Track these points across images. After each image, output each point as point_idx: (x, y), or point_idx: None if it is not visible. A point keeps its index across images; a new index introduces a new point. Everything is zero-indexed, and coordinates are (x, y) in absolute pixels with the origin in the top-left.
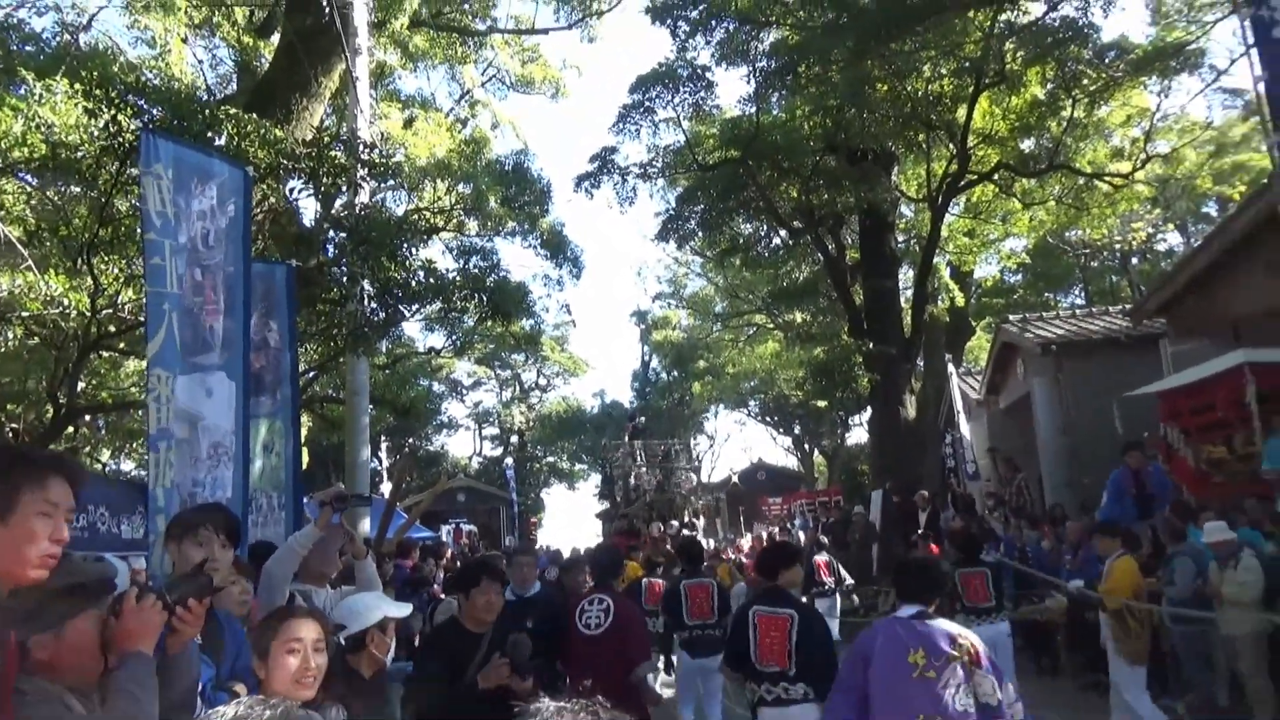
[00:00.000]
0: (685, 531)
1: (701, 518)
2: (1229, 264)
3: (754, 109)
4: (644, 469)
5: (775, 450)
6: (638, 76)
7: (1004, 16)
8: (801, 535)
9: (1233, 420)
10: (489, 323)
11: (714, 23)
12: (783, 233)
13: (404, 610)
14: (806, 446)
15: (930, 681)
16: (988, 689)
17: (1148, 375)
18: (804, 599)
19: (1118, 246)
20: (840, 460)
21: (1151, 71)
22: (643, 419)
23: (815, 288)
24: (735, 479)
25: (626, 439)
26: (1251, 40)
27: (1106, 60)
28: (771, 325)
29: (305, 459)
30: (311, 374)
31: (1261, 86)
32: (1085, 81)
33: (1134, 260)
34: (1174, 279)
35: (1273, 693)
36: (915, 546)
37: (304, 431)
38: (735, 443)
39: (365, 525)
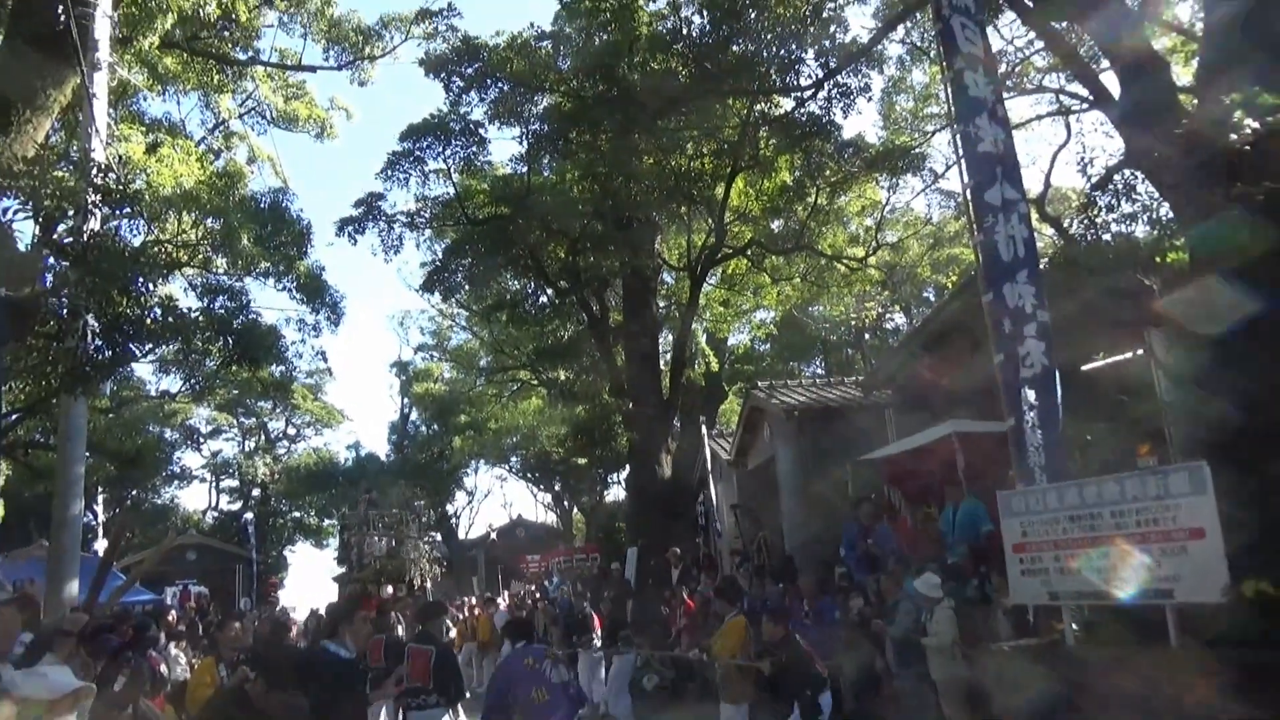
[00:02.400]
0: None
1: (429, 582)
2: (941, 345)
3: (525, 169)
4: (377, 536)
5: (535, 507)
6: (409, 125)
7: (759, 107)
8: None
9: (942, 484)
10: (234, 367)
11: (488, 81)
12: (549, 291)
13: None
14: (566, 503)
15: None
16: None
17: (878, 440)
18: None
19: (853, 322)
20: (599, 517)
21: (882, 169)
22: (374, 492)
23: (579, 347)
24: (494, 535)
25: (361, 509)
26: (961, 151)
27: (845, 155)
28: (535, 382)
29: (0, 511)
30: (16, 416)
31: (968, 192)
32: (827, 172)
33: (866, 336)
34: (894, 356)
35: None
36: (668, 602)
37: (1, 481)
38: (495, 499)
39: (74, 587)
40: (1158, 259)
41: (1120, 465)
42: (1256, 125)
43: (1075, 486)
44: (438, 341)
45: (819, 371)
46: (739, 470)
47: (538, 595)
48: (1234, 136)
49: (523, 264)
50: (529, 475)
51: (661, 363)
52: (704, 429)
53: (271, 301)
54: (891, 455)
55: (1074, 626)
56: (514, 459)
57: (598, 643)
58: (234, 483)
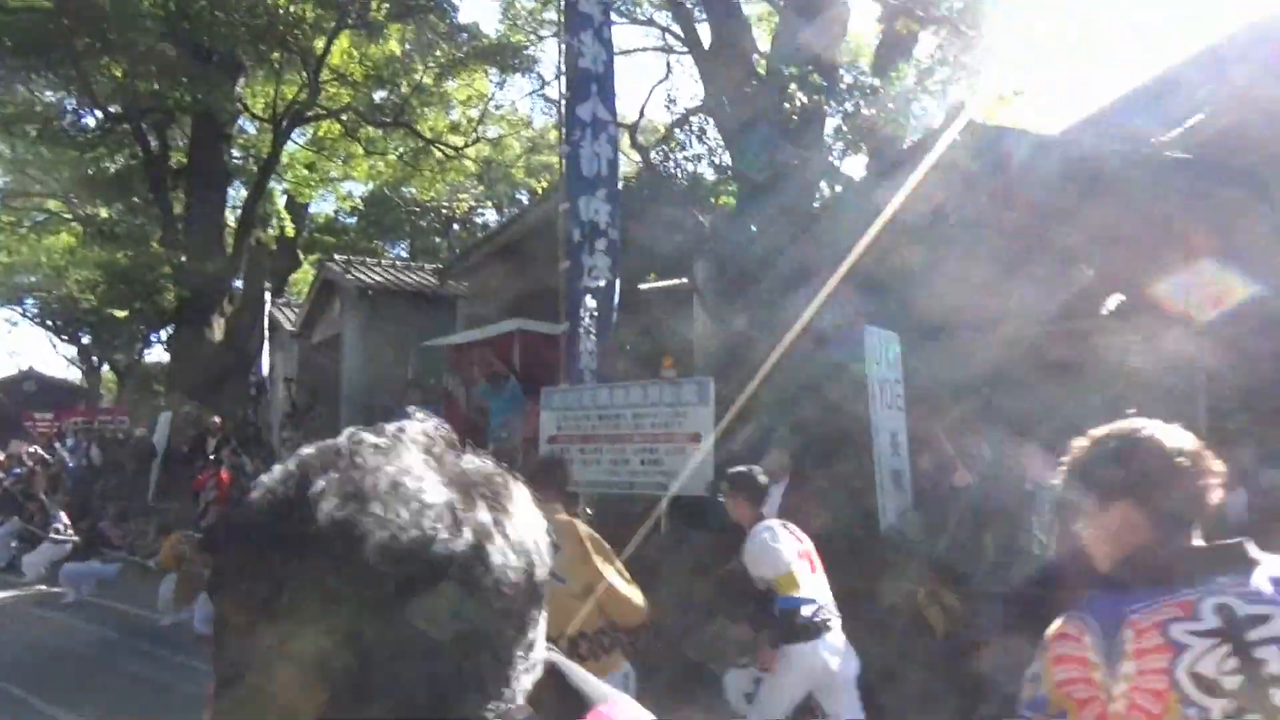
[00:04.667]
0: None
1: None
2: (520, 246)
3: None
4: None
5: (54, 359)
6: None
7: None
8: (67, 456)
9: (501, 375)
10: None
11: None
12: (98, 114)
13: None
14: (95, 359)
15: None
16: None
17: (446, 329)
18: None
19: (444, 211)
20: (135, 378)
21: (493, 62)
22: None
23: (129, 184)
24: None
25: None
26: (563, 62)
27: (459, 39)
28: (69, 216)
29: None
30: None
31: (564, 103)
32: (438, 53)
33: (456, 226)
34: (477, 249)
35: None
36: (204, 473)
37: None
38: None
39: None
40: (713, 199)
41: (648, 374)
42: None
43: (607, 389)
44: None
45: (404, 254)
46: (302, 343)
47: (43, 458)
48: (787, 106)
49: (64, 75)
50: (49, 323)
51: (230, 218)
52: (268, 295)
53: None
54: (457, 344)
55: (588, 510)
56: (30, 301)
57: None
58: None
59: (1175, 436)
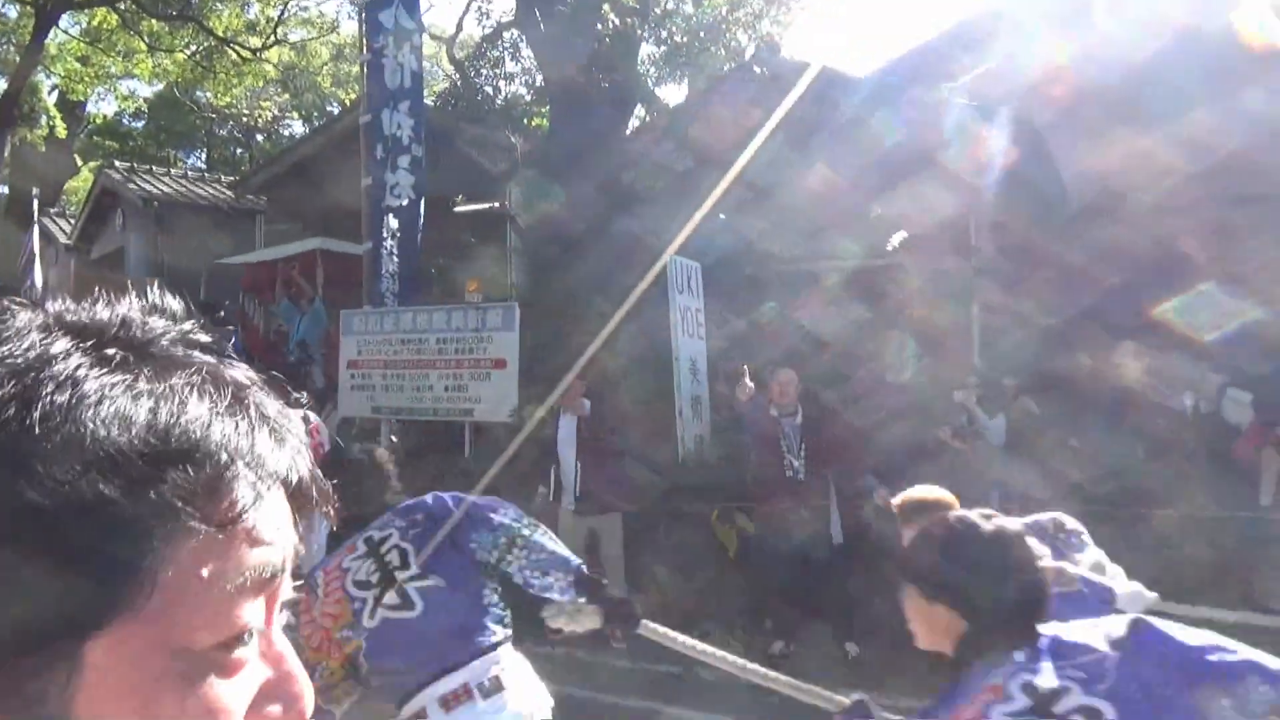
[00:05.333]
0: None
1: None
2: (325, 161)
3: None
4: None
5: None
6: None
7: None
8: None
9: (296, 296)
10: None
11: None
12: None
13: None
14: None
15: None
16: None
17: (243, 247)
18: None
19: (245, 120)
20: None
21: None
22: None
23: None
24: None
25: None
26: None
27: None
28: None
29: None
30: None
31: (364, 8)
32: None
33: (259, 138)
34: (278, 162)
35: None
36: None
37: None
38: None
39: None
40: (526, 121)
41: (456, 299)
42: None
43: (410, 313)
44: None
45: (200, 164)
46: (78, 257)
47: None
48: (600, 27)
49: None
50: None
51: None
52: (35, 204)
53: None
54: (254, 263)
55: (392, 438)
56: None
57: None
58: None
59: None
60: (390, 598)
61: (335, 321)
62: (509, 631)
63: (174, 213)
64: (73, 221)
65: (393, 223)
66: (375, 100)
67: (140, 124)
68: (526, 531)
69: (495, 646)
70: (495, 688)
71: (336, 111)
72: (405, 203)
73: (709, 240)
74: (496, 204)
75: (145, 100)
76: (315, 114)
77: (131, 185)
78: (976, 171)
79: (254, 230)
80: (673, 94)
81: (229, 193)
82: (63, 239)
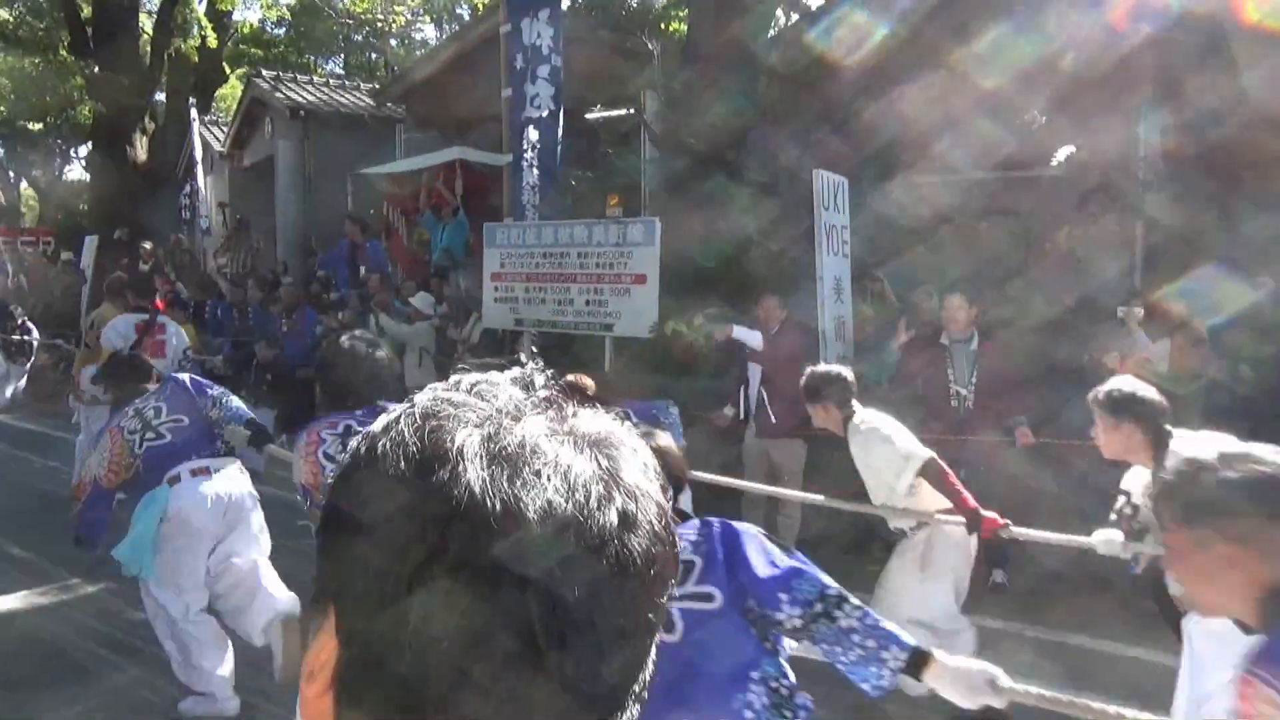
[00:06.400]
0: None
1: None
2: (462, 69)
3: None
4: None
5: None
6: None
7: None
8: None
9: (439, 206)
10: None
11: None
12: None
13: None
14: (12, 175)
15: None
16: None
17: (384, 156)
18: None
19: (380, 24)
20: (57, 197)
21: None
22: None
23: None
24: None
25: None
26: None
27: None
28: None
29: None
30: None
31: None
32: None
33: (393, 42)
34: (416, 71)
35: None
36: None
37: None
38: None
39: None
40: (663, 25)
41: (594, 211)
42: None
43: (551, 226)
44: None
45: (338, 70)
46: (233, 165)
47: None
48: None
49: None
50: None
51: (146, 24)
52: (194, 112)
53: None
54: (396, 173)
55: (534, 349)
56: None
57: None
58: None
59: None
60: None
61: (475, 232)
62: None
63: (318, 120)
64: (225, 129)
65: (532, 134)
66: (515, 8)
67: (282, 31)
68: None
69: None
70: None
71: (466, 14)
72: (545, 114)
73: (854, 151)
74: (631, 110)
75: (287, 7)
76: (447, 16)
77: (279, 94)
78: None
79: (394, 138)
80: None
81: (369, 100)
82: (217, 146)
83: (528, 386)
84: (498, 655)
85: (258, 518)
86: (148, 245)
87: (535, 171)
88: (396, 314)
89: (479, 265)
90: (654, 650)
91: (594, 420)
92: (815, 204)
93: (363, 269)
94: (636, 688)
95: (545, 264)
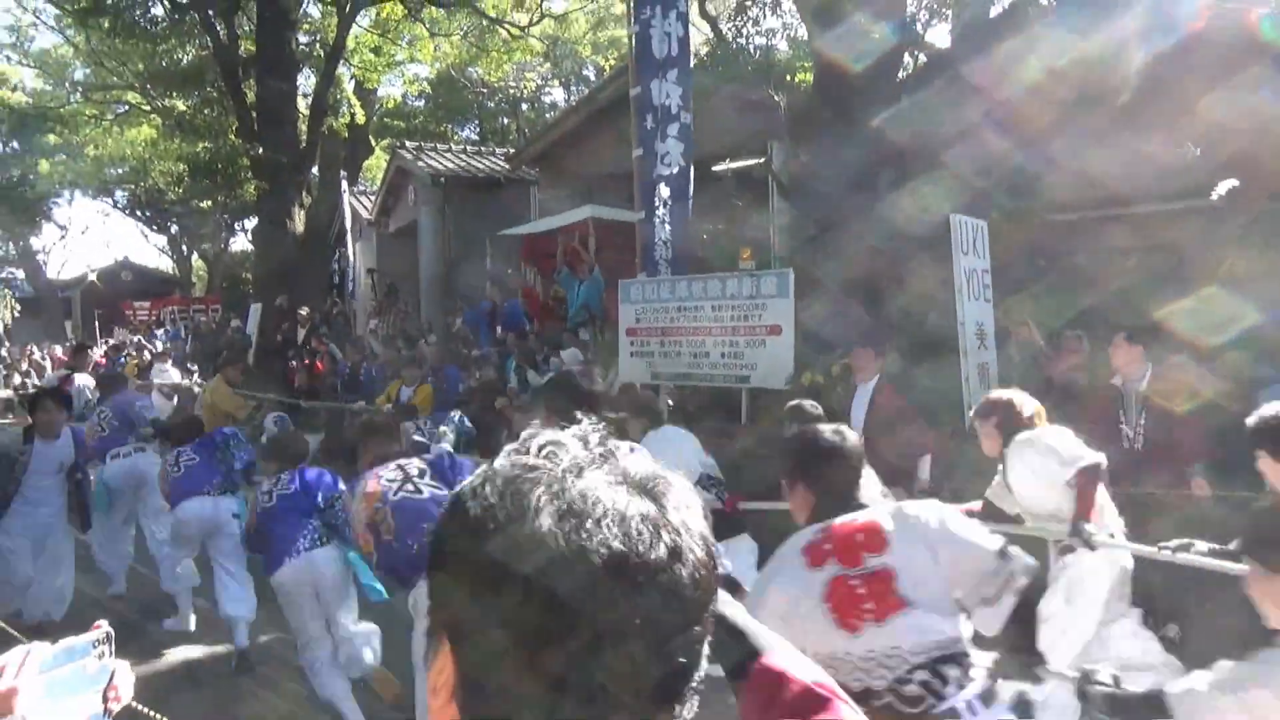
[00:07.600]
0: None
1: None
2: (592, 131)
3: None
4: None
5: (146, 249)
6: None
7: None
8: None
9: (575, 265)
10: None
11: None
12: (165, 3)
13: None
14: (185, 248)
15: None
16: None
17: (520, 217)
18: None
19: (511, 91)
20: (223, 267)
21: None
22: None
23: (202, 75)
24: (94, 277)
25: None
26: None
27: None
28: (148, 108)
29: None
30: None
31: None
32: None
33: (524, 106)
34: (547, 134)
35: None
36: (294, 361)
37: None
38: (98, 236)
39: None
40: (788, 77)
41: (727, 266)
42: None
43: (685, 281)
44: (16, 39)
45: (473, 136)
46: (380, 231)
47: (145, 346)
48: None
49: None
50: (139, 213)
51: (302, 106)
52: (344, 184)
53: None
54: (531, 233)
55: (670, 402)
56: (120, 193)
57: None
58: None
59: None
60: None
61: (609, 287)
62: None
63: (458, 186)
64: (372, 198)
65: (664, 191)
66: (644, 71)
67: (421, 103)
68: None
69: None
70: None
71: (593, 75)
72: (675, 170)
73: (992, 193)
74: (760, 160)
75: (426, 81)
76: (574, 79)
77: (420, 163)
78: None
79: (529, 199)
80: (943, 35)
81: (504, 164)
82: (365, 215)
83: (586, 442)
84: (573, 663)
85: None
86: (305, 310)
87: (667, 228)
88: (542, 369)
89: (611, 320)
90: (706, 649)
91: (640, 464)
92: (953, 249)
93: (499, 328)
94: (694, 683)
95: (680, 318)
